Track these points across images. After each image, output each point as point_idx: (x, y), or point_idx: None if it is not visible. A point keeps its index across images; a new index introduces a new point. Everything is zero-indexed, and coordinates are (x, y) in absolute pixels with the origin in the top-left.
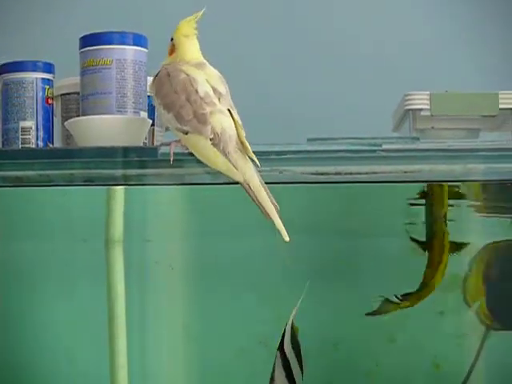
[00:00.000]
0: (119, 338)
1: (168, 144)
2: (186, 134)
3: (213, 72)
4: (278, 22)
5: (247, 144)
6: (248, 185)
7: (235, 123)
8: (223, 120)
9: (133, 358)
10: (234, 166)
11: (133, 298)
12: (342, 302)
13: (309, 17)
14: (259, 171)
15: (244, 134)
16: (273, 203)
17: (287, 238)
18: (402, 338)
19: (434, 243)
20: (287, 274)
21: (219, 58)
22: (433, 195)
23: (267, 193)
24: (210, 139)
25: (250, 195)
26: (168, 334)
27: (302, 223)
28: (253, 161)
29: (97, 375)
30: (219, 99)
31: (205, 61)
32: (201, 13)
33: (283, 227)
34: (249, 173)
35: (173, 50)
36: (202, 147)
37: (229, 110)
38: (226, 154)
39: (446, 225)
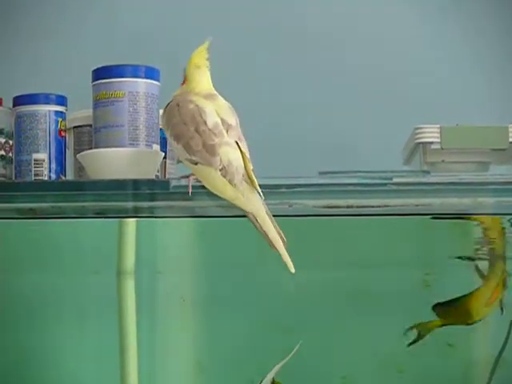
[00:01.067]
0: (131, 370)
1: (187, 177)
2: (196, 164)
3: (223, 103)
4: (289, 51)
5: (253, 176)
6: (254, 215)
7: (243, 155)
8: (230, 152)
9: None
10: (242, 196)
11: (144, 329)
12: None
13: (321, 48)
14: (268, 204)
15: (251, 167)
16: (280, 235)
17: (293, 270)
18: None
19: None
20: (297, 306)
21: (230, 88)
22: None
23: (274, 225)
24: (220, 170)
25: (255, 226)
26: (179, 366)
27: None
28: (259, 193)
29: None
30: (227, 131)
31: (215, 92)
32: (208, 42)
33: (289, 259)
34: (256, 204)
35: (184, 80)
36: (212, 178)
37: (236, 143)
38: (233, 185)
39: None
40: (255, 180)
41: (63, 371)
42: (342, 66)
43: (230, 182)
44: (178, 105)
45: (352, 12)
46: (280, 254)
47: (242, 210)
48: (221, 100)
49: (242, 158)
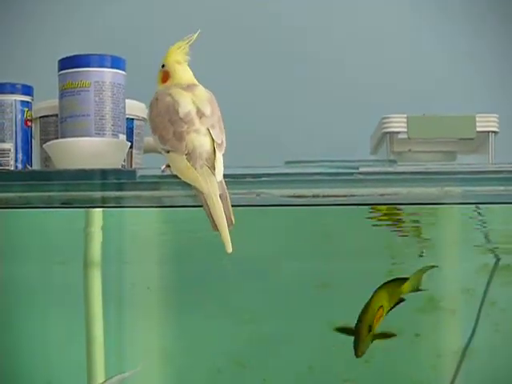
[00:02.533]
0: (97, 359)
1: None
2: (168, 152)
3: (202, 93)
4: (258, 44)
5: (216, 162)
6: (205, 197)
7: (213, 143)
8: (196, 139)
9: None
10: (200, 179)
11: (110, 319)
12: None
13: (289, 36)
14: (235, 193)
15: (221, 153)
16: (229, 217)
17: (230, 250)
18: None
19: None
20: (264, 294)
21: (200, 80)
22: None
23: (227, 208)
24: (185, 154)
25: (204, 207)
26: (145, 354)
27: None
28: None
29: None
30: (200, 118)
31: (196, 83)
32: (194, 37)
33: (229, 240)
34: (211, 187)
35: (166, 76)
36: (178, 162)
37: (208, 130)
38: (195, 168)
39: None
40: (217, 166)
41: (30, 360)
42: (309, 54)
43: (193, 165)
44: (157, 99)
45: (321, 5)
46: (220, 234)
47: (197, 191)
48: (200, 90)
49: (210, 144)
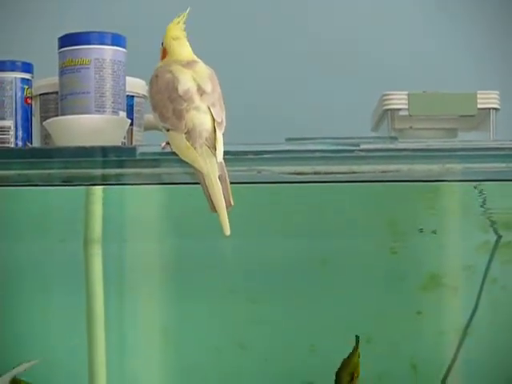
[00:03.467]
0: (98, 337)
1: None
2: (168, 130)
3: (202, 70)
4: (259, 19)
5: (216, 142)
6: (204, 177)
7: (213, 121)
8: (196, 117)
9: (111, 358)
10: (200, 159)
11: (111, 297)
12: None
13: (289, 16)
14: (236, 170)
15: (220, 132)
16: (227, 199)
17: (228, 233)
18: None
19: None
20: (265, 275)
21: (199, 55)
22: None
23: (226, 189)
24: (185, 133)
25: (202, 187)
26: (146, 333)
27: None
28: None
29: (76, 374)
30: (201, 95)
31: (196, 59)
32: (186, 13)
33: (227, 222)
34: (210, 167)
35: (164, 53)
36: (178, 141)
37: (209, 108)
38: (194, 148)
39: None
40: (217, 146)
41: (30, 340)
42: (311, 32)
43: (192, 145)
44: (156, 76)
45: None
46: (218, 216)
47: (196, 170)
48: (201, 66)
49: (210, 123)
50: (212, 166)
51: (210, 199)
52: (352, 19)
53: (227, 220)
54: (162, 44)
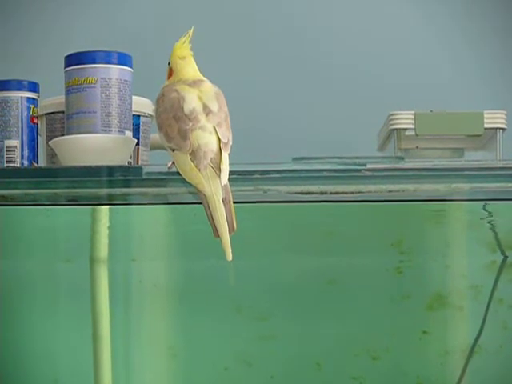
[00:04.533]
0: (104, 357)
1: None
2: (173, 150)
3: (208, 89)
4: (265, 39)
5: (221, 163)
6: (207, 201)
7: (219, 142)
8: (201, 136)
9: (118, 377)
10: (204, 181)
11: (117, 317)
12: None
13: (294, 34)
14: (242, 190)
15: (226, 152)
16: (231, 223)
17: (230, 258)
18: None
19: None
20: (272, 294)
21: (207, 73)
22: None
23: (231, 212)
24: (189, 154)
25: (205, 210)
26: (152, 353)
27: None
28: (229, 180)
29: None
30: (207, 115)
31: (203, 78)
32: (191, 31)
33: (229, 247)
34: (214, 190)
35: (171, 73)
36: (182, 162)
37: (214, 128)
38: (198, 169)
39: None
40: (221, 167)
41: (36, 359)
42: (317, 51)
43: (197, 166)
44: (163, 95)
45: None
46: (221, 240)
47: (199, 193)
48: (207, 85)
49: (216, 143)
50: (216, 189)
51: (213, 223)
52: (358, 39)
53: (229, 245)
54: (169, 63)
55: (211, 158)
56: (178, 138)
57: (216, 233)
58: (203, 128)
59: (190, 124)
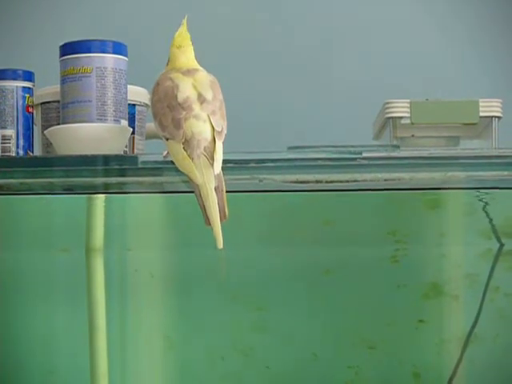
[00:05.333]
0: (100, 347)
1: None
2: (167, 139)
3: (203, 77)
4: (259, 29)
5: (214, 152)
6: (199, 189)
7: (213, 130)
8: (195, 125)
9: (114, 367)
10: (196, 170)
11: (113, 306)
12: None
13: (290, 26)
14: (237, 179)
15: (220, 141)
16: (222, 210)
17: (221, 246)
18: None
19: None
20: (268, 283)
21: (203, 63)
22: None
23: (223, 200)
24: (182, 143)
25: (197, 198)
26: (148, 342)
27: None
28: (224, 169)
29: None
30: (202, 103)
31: (198, 67)
32: (185, 21)
33: (220, 235)
34: (206, 179)
35: (168, 62)
36: (176, 151)
37: (208, 116)
38: (191, 158)
39: None
40: (215, 156)
41: (32, 348)
42: (313, 40)
43: (190, 155)
44: (158, 84)
45: None
46: (212, 228)
47: (192, 181)
48: (202, 74)
49: (210, 132)
50: (208, 177)
51: (205, 211)
52: (353, 28)
53: (220, 233)
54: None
55: (205, 147)
56: (171, 127)
57: (207, 221)
58: (197, 117)
59: (184, 113)
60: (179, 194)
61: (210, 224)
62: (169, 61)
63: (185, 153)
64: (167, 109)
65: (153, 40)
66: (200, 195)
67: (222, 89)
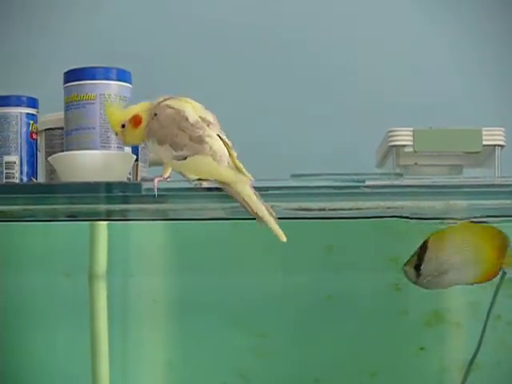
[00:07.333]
0: (102, 373)
1: (151, 179)
2: (185, 158)
3: (197, 104)
4: (261, 56)
5: (239, 164)
6: (242, 190)
7: (226, 146)
8: (214, 142)
9: None
10: (232, 172)
11: (116, 332)
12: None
13: (293, 52)
14: (241, 206)
15: (235, 154)
16: (269, 210)
17: (284, 239)
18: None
19: None
20: (270, 310)
21: (203, 93)
22: None
23: (264, 204)
24: (210, 155)
25: (241, 202)
26: (150, 368)
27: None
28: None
29: None
30: (208, 125)
31: (186, 97)
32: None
33: (278, 227)
34: (244, 178)
35: (138, 120)
36: (204, 164)
37: (218, 135)
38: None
39: None
40: (240, 164)
41: (34, 373)
42: (315, 66)
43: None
44: (155, 114)
45: (324, 13)
46: (268, 225)
47: (230, 187)
48: (194, 102)
49: (225, 149)
50: (245, 178)
51: (252, 210)
52: (358, 55)
53: (277, 225)
54: (123, 126)
55: (228, 162)
56: (191, 143)
57: (259, 218)
58: (211, 136)
59: (200, 132)
60: (183, 222)
61: (262, 219)
62: (137, 119)
63: (215, 162)
64: (179, 130)
65: (156, 66)
66: (244, 200)
67: (225, 116)
